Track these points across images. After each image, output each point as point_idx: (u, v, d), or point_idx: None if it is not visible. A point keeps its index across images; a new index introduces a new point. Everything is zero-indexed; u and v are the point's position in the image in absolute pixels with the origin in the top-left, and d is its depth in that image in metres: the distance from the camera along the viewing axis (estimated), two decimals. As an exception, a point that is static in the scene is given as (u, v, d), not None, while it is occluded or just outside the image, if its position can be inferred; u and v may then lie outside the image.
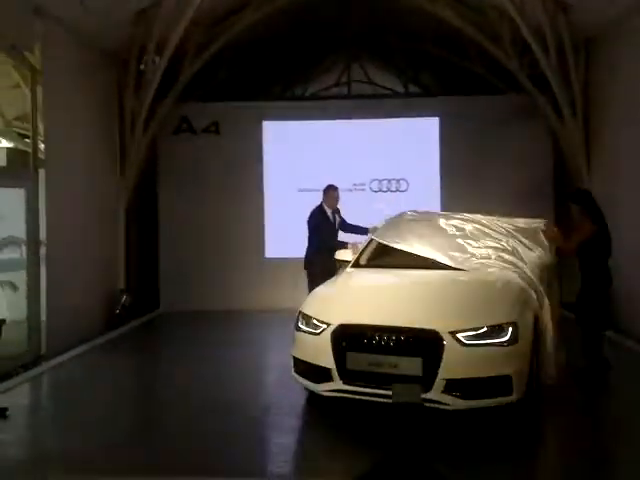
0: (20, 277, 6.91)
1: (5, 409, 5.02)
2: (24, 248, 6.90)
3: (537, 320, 4.97)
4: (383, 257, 6.34)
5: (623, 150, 7.89)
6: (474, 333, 4.48)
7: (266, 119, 10.27)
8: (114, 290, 8.90)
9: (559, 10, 8.02)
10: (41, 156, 7.05)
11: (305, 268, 7.11)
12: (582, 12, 7.91)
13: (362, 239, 6.83)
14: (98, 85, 8.53)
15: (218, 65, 10.17)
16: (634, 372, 6.34)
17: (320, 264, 6.82)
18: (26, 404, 5.79)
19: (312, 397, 5.16)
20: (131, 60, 8.64)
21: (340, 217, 7.33)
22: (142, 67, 8.75)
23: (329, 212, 7.21)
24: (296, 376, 5.04)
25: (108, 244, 8.83)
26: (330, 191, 7.23)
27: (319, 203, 7.26)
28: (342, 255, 6.28)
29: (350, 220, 7.38)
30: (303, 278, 7.04)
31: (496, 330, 4.51)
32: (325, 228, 7.14)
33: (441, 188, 9.93)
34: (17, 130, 8.45)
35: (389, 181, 10.06)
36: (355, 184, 10.04)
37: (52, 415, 5.44)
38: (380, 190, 10.08)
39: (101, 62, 8.61)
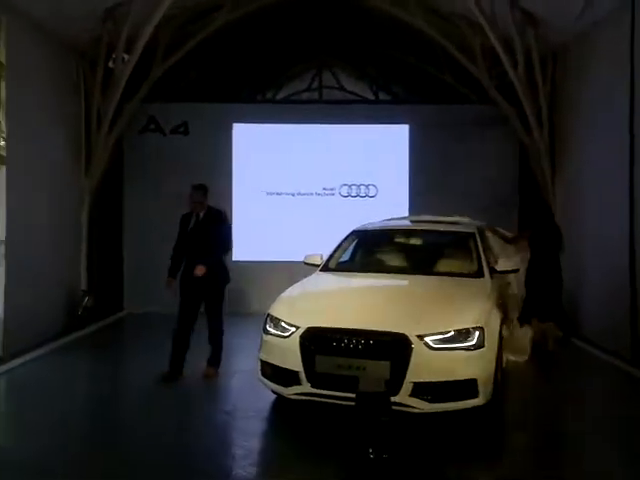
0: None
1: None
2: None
3: (503, 324, 5.05)
4: (353, 261, 6.39)
5: (586, 161, 8.08)
6: (441, 337, 4.51)
7: (236, 121, 10.19)
8: (76, 291, 8.68)
9: (528, 23, 8.18)
10: (2, 153, 6.85)
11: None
12: (550, 26, 8.09)
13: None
14: (64, 82, 8.32)
15: (189, 65, 10.06)
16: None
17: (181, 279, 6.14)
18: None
19: (279, 401, 5.11)
20: (99, 58, 8.46)
21: (222, 224, 6.30)
22: (110, 65, 8.59)
23: (193, 218, 6.21)
24: (263, 379, 4.98)
25: (70, 244, 8.61)
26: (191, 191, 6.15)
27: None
28: (311, 259, 6.27)
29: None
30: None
31: (463, 334, 4.55)
32: (181, 236, 6.28)
33: (409, 194, 10.01)
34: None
35: (358, 186, 10.09)
36: (325, 188, 10.06)
37: (3, 419, 5.25)
38: (349, 195, 10.10)
39: (68, 59, 8.41)
